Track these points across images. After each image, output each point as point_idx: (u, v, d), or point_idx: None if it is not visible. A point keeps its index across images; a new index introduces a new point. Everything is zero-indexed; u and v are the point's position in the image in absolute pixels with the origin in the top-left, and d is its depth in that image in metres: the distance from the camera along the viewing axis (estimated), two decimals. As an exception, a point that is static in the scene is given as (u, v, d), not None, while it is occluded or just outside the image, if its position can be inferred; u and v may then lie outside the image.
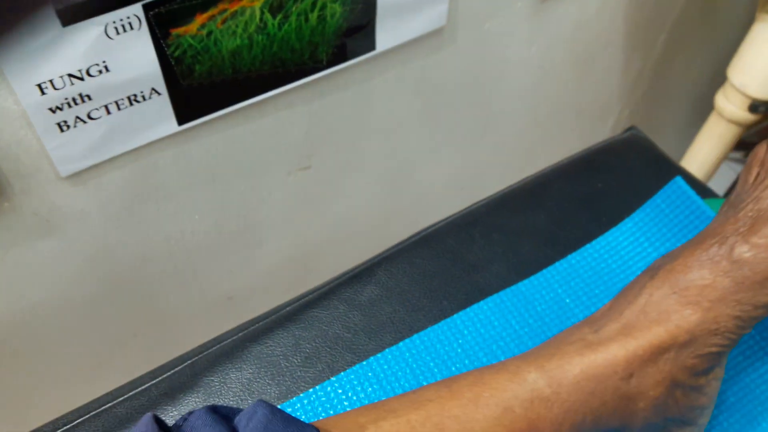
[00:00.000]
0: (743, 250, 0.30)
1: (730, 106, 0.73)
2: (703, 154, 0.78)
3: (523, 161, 0.83)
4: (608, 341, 0.30)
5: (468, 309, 0.40)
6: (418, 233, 0.46)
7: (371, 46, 0.58)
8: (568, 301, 0.40)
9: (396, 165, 0.72)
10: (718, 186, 1.02)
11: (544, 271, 0.42)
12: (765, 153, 0.34)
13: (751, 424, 0.36)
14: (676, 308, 0.30)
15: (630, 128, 0.54)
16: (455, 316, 0.39)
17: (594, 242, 0.43)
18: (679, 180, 0.42)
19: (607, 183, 0.49)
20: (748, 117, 0.72)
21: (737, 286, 0.30)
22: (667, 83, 0.93)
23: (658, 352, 0.30)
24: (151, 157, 0.51)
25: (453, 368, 0.37)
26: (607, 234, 0.43)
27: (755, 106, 0.72)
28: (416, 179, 0.75)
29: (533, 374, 0.29)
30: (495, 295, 0.40)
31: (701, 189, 0.49)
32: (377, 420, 0.28)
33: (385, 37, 0.57)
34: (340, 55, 0.56)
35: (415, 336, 0.38)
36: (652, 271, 0.33)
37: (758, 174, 0.34)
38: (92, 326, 0.61)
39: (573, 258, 0.42)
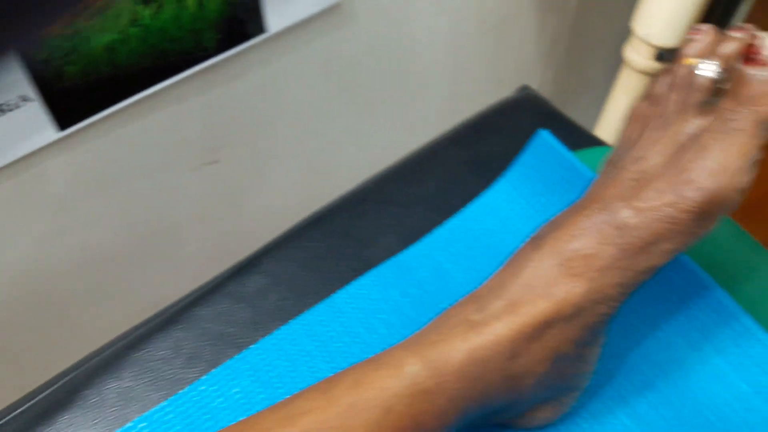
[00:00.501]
0: (627, 216, 0.29)
1: (638, 57, 0.73)
2: (620, 108, 0.77)
3: (440, 124, 0.82)
4: (493, 320, 0.29)
5: (348, 285, 0.38)
6: (309, 216, 0.45)
7: (262, 29, 0.56)
8: (448, 266, 0.39)
9: (316, 149, 0.70)
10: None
11: (423, 238, 0.40)
12: (645, 108, 0.33)
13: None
14: (561, 280, 0.29)
15: (522, 87, 0.53)
16: (334, 294, 0.38)
17: (470, 205, 0.42)
18: (543, 133, 0.41)
19: (496, 145, 0.48)
20: (656, 66, 0.72)
21: (621, 254, 0.29)
22: (584, 43, 0.92)
23: (543, 328, 0.29)
24: (35, 168, 0.49)
25: (333, 348, 0.36)
26: (481, 195, 0.42)
27: (661, 54, 0.71)
28: (340, 161, 0.74)
29: (414, 367, 0.28)
30: (374, 269, 0.39)
31: (587, 138, 0.48)
32: None
33: (276, 18, 0.55)
34: (228, 41, 0.55)
35: (292, 321, 0.37)
36: (536, 241, 0.31)
37: (638, 130, 0.33)
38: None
39: (451, 223, 0.41)
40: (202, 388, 0.35)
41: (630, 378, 0.35)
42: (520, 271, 0.30)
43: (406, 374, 0.27)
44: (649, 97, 0.34)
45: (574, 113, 0.55)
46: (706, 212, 0.28)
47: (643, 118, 0.34)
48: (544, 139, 0.41)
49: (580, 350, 0.30)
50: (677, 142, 0.30)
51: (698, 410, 0.34)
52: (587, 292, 0.29)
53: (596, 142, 0.48)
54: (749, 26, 0.32)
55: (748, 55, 0.31)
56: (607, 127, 0.78)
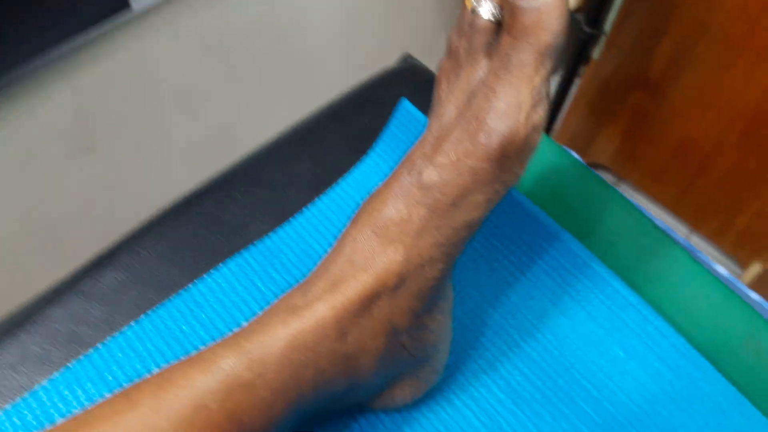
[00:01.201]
0: (430, 174, 0.28)
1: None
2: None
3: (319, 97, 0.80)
4: (315, 302, 0.27)
5: (205, 275, 0.36)
6: (170, 203, 0.42)
7: (124, 5, 0.52)
8: (317, 248, 0.37)
9: (211, 130, 0.67)
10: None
11: (291, 220, 0.39)
12: (446, 63, 0.32)
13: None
14: (379, 250, 0.28)
15: (404, 57, 0.51)
16: (191, 286, 0.36)
17: (339, 180, 0.40)
18: (404, 102, 0.40)
19: (376, 118, 0.46)
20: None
21: (432, 213, 0.28)
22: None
23: (368, 302, 0.27)
24: None
25: (189, 346, 0.34)
26: (351, 170, 0.40)
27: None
28: (239, 140, 0.71)
29: (230, 360, 0.26)
30: (236, 255, 0.37)
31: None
32: None
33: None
34: (87, 21, 0.50)
35: (143, 317, 0.35)
36: (355, 216, 0.30)
37: (445, 87, 0.31)
38: None
39: (320, 202, 0.39)
40: (41, 394, 0.32)
41: (501, 348, 0.34)
42: (341, 249, 0.29)
43: (221, 368, 0.26)
44: (447, 51, 0.33)
45: None
46: (507, 156, 0.27)
47: (446, 73, 0.32)
48: (406, 109, 0.39)
49: (418, 320, 0.29)
50: (469, 90, 0.29)
51: (574, 378, 0.34)
52: (407, 258, 0.28)
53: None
54: None
55: None
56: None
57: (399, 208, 0.28)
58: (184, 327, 0.34)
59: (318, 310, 0.27)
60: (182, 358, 0.27)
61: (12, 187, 0.54)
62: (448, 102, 0.29)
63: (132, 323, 0.35)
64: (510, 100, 0.27)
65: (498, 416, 0.32)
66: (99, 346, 0.34)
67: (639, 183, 1.21)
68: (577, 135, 1.21)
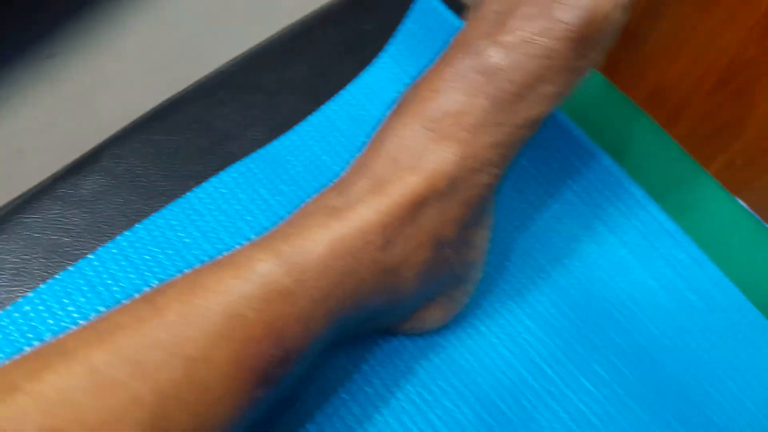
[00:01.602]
0: (494, 55, 0.24)
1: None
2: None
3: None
4: (357, 204, 0.24)
5: (205, 183, 0.33)
6: (156, 106, 0.38)
7: None
8: (325, 158, 0.35)
9: (186, 33, 0.62)
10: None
11: (296, 127, 0.36)
12: None
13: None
14: (429, 147, 0.24)
15: (402, -39, 0.48)
16: (189, 193, 0.33)
17: (349, 86, 0.37)
18: None
19: (377, 23, 0.43)
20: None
21: (494, 105, 0.24)
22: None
23: (416, 208, 0.24)
24: None
25: (190, 257, 0.31)
26: (362, 74, 0.37)
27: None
28: (196, 41, 0.66)
29: (266, 264, 0.23)
30: (238, 163, 0.34)
31: None
32: (39, 371, 0.20)
33: None
34: None
35: (137, 225, 0.32)
36: (398, 106, 0.26)
37: None
38: None
39: (328, 108, 0.36)
40: (27, 308, 0.29)
41: (528, 274, 0.32)
42: (383, 144, 0.25)
43: (257, 273, 0.22)
44: None
45: None
46: (587, 37, 0.24)
47: None
48: (428, 4, 0.36)
49: (464, 233, 0.26)
50: None
51: (603, 308, 0.32)
52: (461, 158, 0.24)
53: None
54: None
55: None
56: None
57: (455, 97, 0.24)
58: (184, 237, 0.31)
59: (361, 213, 0.24)
60: (190, 269, 0.24)
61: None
62: None
63: (126, 232, 0.31)
64: None
65: (527, 344, 0.30)
66: (90, 255, 0.31)
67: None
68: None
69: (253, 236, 0.32)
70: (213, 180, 0.33)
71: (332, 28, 0.43)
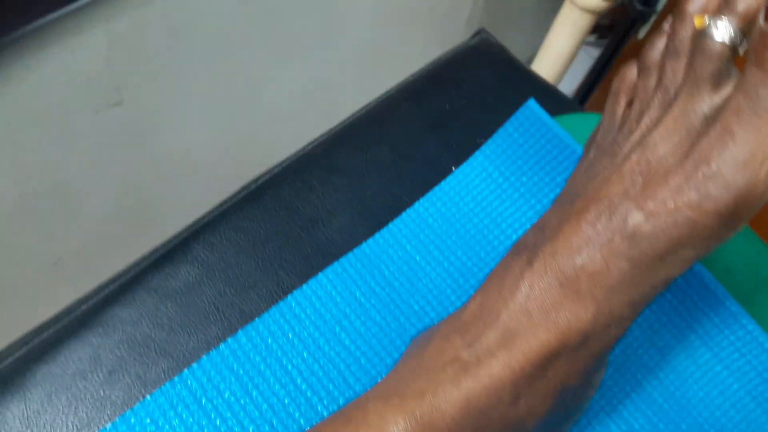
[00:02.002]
0: (638, 221, 0.24)
1: (582, -8, 0.68)
2: (557, 47, 0.73)
3: (377, 75, 0.75)
4: (488, 358, 0.24)
5: (304, 286, 0.33)
6: (244, 188, 0.38)
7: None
8: (418, 258, 0.34)
9: (235, 87, 0.62)
10: (576, 74, 0.99)
11: (390, 225, 0.35)
12: (634, 78, 0.28)
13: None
14: (564, 304, 0.24)
15: (478, 32, 0.47)
16: (289, 296, 0.32)
17: (442, 183, 0.37)
18: (531, 103, 0.36)
19: (455, 101, 0.43)
20: (602, 4, 0.68)
21: (634, 268, 0.24)
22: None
23: (547, 363, 0.24)
24: None
25: (288, 365, 0.31)
26: (456, 172, 0.37)
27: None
28: (262, 102, 0.66)
29: (401, 427, 0.23)
30: (335, 263, 0.34)
31: (558, 100, 0.44)
32: None
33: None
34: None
35: (240, 332, 0.31)
36: (526, 253, 0.26)
37: (631, 105, 0.28)
38: None
39: (420, 205, 0.36)
40: (132, 421, 0.29)
41: (624, 389, 0.32)
42: (513, 294, 0.25)
43: None
44: (640, 64, 0.29)
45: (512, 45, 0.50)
46: (736, 213, 0.23)
47: (632, 91, 0.29)
48: (531, 111, 0.36)
49: (587, 378, 0.26)
50: (688, 125, 0.25)
51: (697, 423, 0.31)
52: (596, 315, 0.24)
53: (564, 101, 0.44)
54: None
55: None
56: (545, 68, 0.74)
57: (594, 257, 0.24)
58: (283, 344, 0.31)
59: (492, 369, 0.24)
60: (319, 424, 0.24)
61: (34, 142, 0.49)
62: (654, 132, 0.25)
63: (228, 339, 0.31)
64: (752, 148, 0.22)
65: None
66: (194, 365, 0.30)
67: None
68: (595, 110, 1.18)
69: (348, 342, 0.32)
70: (311, 282, 0.33)
71: (411, 106, 0.42)
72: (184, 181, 0.65)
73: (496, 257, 0.35)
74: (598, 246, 0.24)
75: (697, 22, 0.26)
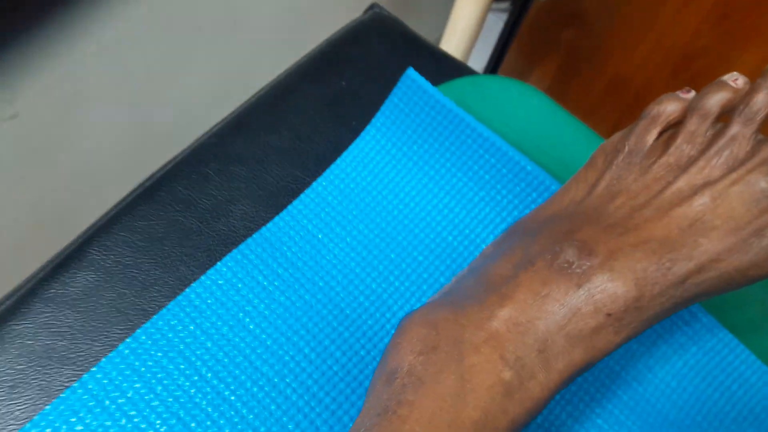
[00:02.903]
0: (689, 270, 0.26)
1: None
2: (463, 19, 0.73)
3: (282, 56, 0.74)
4: (529, 380, 0.24)
5: (203, 277, 0.32)
6: (139, 186, 0.38)
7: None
8: (321, 236, 0.34)
9: (138, 87, 0.60)
10: (491, 41, 1.00)
11: (289, 207, 0.35)
12: (675, 111, 0.29)
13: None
14: (603, 332, 0.25)
15: (371, 6, 0.47)
16: (188, 289, 0.32)
17: (338, 161, 0.37)
18: (411, 72, 0.36)
19: (352, 78, 0.43)
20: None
21: (670, 304, 0.26)
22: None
23: (573, 377, 0.25)
24: None
25: (192, 357, 0.30)
26: (350, 148, 0.37)
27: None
28: (169, 98, 0.65)
29: None
30: (234, 251, 0.33)
31: (456, 67, 0.44)
32: None
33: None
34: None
35: (139, 330, 0.31)
36: (574, 275, 0.26)
37: (661, 136, 0.29)
38: None
39: (318, 185, 0.36)
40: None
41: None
42: (554, 314, 0.25)
43: None
44: (695, 109, 0.28)
45: (417, 26, 0.50)
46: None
47: (668, 125, 0.29)
48: (412, 80, 0.36)
49: None
50: (756, 195, 0.26)
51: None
52: (624, 339, 0.26)
53: (459, 67, 0.44)
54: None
55: None
56: (454, 40, 0.74)
57: (641, 293, 0.25)
58: (185, 337, 0.31)
59: (534, 392, 0.24)
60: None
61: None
62: (712, 180, 0.27)
63: (128, 339, 0.31)
64: None
65: None
66: (93, 368, 0.30)
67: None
68: (509, 74, 1.20)
69: (253, 327, 0.31)
70: (210, 273, 0.32)
71: (307, 87, 0.42)
72: (89, 189, 0.63)
73: (398, 226, 0.35)
74: (645, 283, 0.25)
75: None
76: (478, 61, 1.08)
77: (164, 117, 0.66)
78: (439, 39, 0.77)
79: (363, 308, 0.32)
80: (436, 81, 0.42)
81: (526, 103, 0.42)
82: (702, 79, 1.03)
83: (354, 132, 0.40)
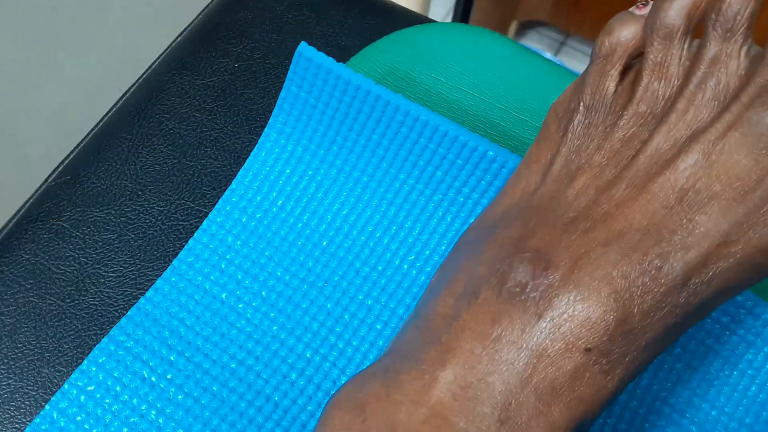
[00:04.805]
0: (688, 265, 0.18)
1: None
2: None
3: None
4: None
5: (65, 385, 0.23)
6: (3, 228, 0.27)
7: None
8: (224, 296, 0.25)
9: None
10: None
11: (174, 263, 0.25)
12: (634, 36, 0.20)
13: None
14: (585, 378, 0.18)
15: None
16: (47, 408, 0.22)
17: (233, 184, 0.27)
18: (303, 47, 0.26)
19: (247, 55, 0.32)
20: None
21: (672, 328, 0.19)
22: None
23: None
24: None
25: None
26: (247, 163, 0.27)
27: None
28: (34, 107, 0.54)
29: None
30: (115, 328, 0.24)
31: (410, 21, 0.33)
32: None
33: None
34: None
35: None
36: (530, 303, 0.18)
37: (624, 76, 0.21)
38: None
39: (212, 222, 0.26)
40: None
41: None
42: (497, 354, 0.18)
43: None
44: (656, 28, 0.20)
45: None
46: None
47: (630, 57, 0.21)
48: (307, 57, 0.25)
49: None
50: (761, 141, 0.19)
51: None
52: (617, 386, 0.19)
53: (417, 21, 0.33)
54: None
55: None
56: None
57: (626, 315, 0.18)
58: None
59: None
60: None
61: None
62: (696, 132, 0.19)
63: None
64: None
65: None
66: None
67: (589, 36, 1.07)
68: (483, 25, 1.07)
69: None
70: (74, 376, 0.23)
71: (185, 78, 0.32)
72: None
73: (321, 257, 0.25)
74: (629, 296, 0.18)
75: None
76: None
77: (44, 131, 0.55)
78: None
79: (289, 383, 0.24)
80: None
81: (496, 51, 0.32)
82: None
83: (260, 130, 0.30)
